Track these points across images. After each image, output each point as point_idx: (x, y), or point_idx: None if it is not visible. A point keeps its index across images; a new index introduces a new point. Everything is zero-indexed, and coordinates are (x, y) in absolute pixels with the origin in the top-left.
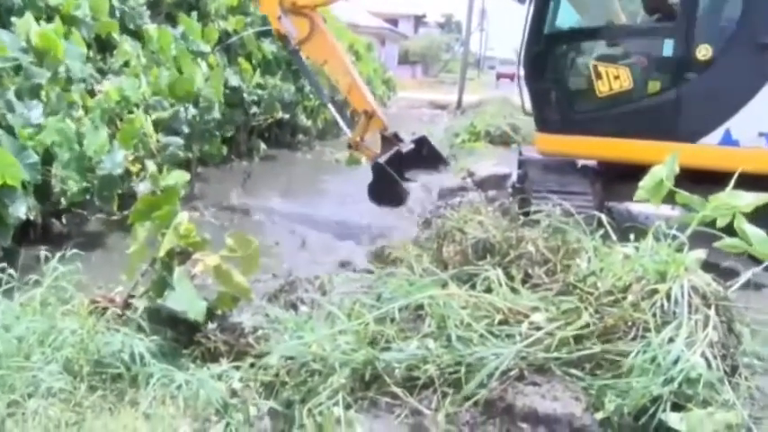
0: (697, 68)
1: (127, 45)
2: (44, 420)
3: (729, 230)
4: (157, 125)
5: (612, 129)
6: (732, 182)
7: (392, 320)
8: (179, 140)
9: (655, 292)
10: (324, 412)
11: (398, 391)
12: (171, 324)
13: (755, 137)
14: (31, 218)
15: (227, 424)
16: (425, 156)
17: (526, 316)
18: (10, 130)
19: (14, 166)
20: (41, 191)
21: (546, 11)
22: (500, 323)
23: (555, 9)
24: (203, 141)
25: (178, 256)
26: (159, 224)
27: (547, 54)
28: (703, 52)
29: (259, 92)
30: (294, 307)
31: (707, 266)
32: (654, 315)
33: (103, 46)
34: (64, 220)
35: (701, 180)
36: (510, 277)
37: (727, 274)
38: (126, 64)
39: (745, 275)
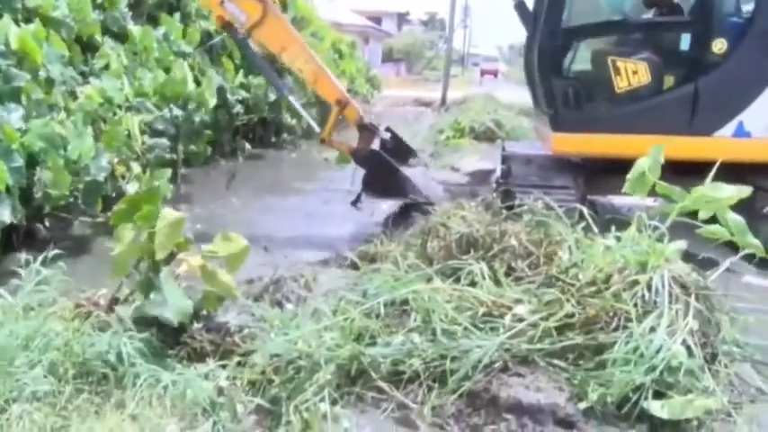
0: (713, 62)
1: (108, 47)
2: (29, 425)
3: (713, 222)
4: (142, 127)
5: (630, 126)
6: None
7: (377, 316)
8: (165, 142)
9: (636, 282)
10: (310, 408)
11: (384, 385)
12: (157, 325)
13: (766, 128)
14: (15, 222)
15: (215, 422)
16: (395, 148)
17: (509, 308)
18: None
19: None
20: (25, 195)
21: (563, 5)
22: (484, 316)
23: (571, 4)
24: (190, 142)
25: None
26: (142, 225)
27: (563, 51)
28: (719, 46)
29: (242, 92)
30: (280, 305)
31: (688, 257)
32: (635, 305)
33: (85, 48)
34: (48, 224)
35: (691, 173)
36: (493, 271)
37: (707, 264)
38: (108, 66)
39: (724, 264)
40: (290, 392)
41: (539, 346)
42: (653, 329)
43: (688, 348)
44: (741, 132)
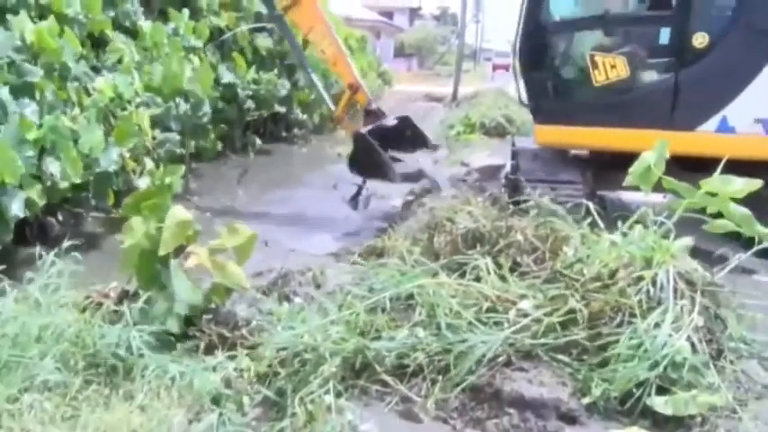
0: (694, 56)
1: (119, 42)
2: (40, 414)
3: (721, 217)
4: (152, 122)
5: (609, 118)
6: (719, 168)
7: (383, 310)
8: (175, 136)
9: (641, 278)
10: (315, 400)
11: (388, 378)
12: (165, 317)
13: (752, 123)
14: (28, 215)
15: (221, 414)
16: (410, 136)
17: (514, 303)
18: (6, 129)
19: (14, 163)
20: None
21: (542, 0)
22: (488, 311)
23: None
24: (196, 137)
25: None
26: (151, 218)
27: (542, 44)
28: (700, 40)
29: (254, 87)
30: (287, 299)
31: (700, 253)
32: (640, 301)
33: (97, 43)
34: (60, 218)
35: (697, 168)
36: (499, 266)
37: (718, 262)
38: (119, 61)
39: (733, 261)
40: (295, 385)
41: (543, 340)
42: (657, 325)
43: (692, 344)
44: (725, 128)
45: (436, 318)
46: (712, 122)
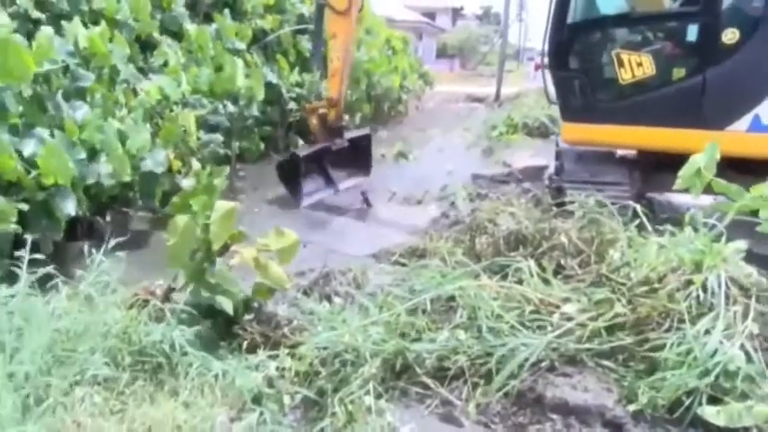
0: (724, 53)
1: (166, 45)
2: (90, 407)
3: None
4: (197, 123)
5: (636, 117)
6: None
7: (424, 312)
8: (219, 137)
9: (690, 282)
10: (355, 401)
11: (429, 381)
12: (210, 315)
13: None
14: (80, 214)
15: (261, 413)
16: (357, 156)
17: (557, 307)
18: (59, 133)
19: (66, 164)
20: (87, 188)
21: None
22: (531, 314)
23: None
24: (242, 138)
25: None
26: (198, 216)
27: (569, 43)
28: (729, 36)
29: (297, 89)
30: (328, 299)
31: (756, 258)
32: (689, 306)
33: (144, 46)
34: (108, 218)
35: (747, 170)
36: (542, 268)
37: None
38: (165, 63)
39: None
40: (335, 385)
41: (587, 345)
42: (708, 332)
43: (747, 352)
44: (758, 126)
45: (477, 320)
46: (744, 121)
